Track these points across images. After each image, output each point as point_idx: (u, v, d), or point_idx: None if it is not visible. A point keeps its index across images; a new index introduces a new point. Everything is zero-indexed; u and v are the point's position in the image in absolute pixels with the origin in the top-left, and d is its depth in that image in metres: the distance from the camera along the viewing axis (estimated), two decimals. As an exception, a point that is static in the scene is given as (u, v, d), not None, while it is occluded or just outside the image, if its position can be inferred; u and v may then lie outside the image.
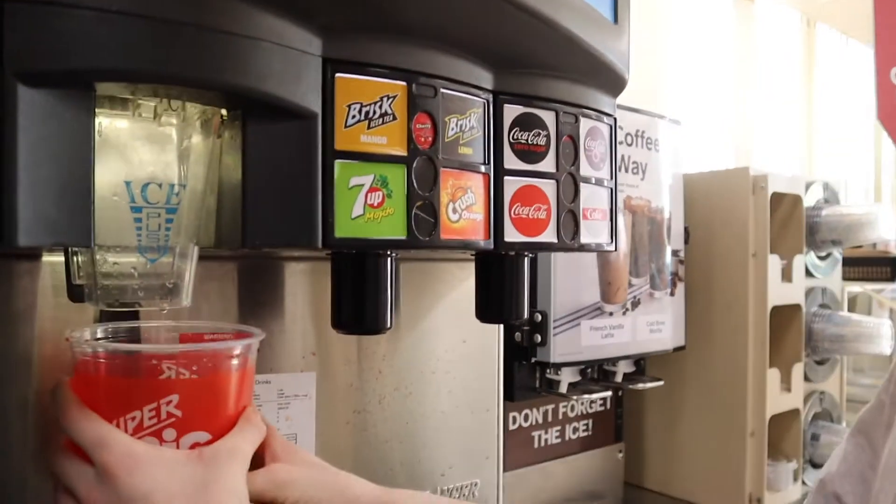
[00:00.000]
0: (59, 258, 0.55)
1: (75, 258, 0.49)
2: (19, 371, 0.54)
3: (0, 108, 0.36)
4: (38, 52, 0.37)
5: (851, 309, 1.98)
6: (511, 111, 0.57)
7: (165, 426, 0.45)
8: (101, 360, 0.46)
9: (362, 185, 0.47)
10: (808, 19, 3.56)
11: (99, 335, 0.50)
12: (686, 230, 1.34)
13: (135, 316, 0.56)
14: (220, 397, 0.47)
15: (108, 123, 0.45)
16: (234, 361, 0.48)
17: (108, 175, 0.45)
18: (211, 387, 0.47)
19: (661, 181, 1.24)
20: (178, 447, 0.45)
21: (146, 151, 0.47)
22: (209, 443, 0.46)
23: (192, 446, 0.46)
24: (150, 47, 0.39)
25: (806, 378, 1.45)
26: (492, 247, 0.56)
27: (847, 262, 1.66)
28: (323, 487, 0.53)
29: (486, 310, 0.64)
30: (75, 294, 0.50)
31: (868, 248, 2.16)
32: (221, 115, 0.49)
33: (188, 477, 0.44)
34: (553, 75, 0.59)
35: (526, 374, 1.11)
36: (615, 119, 0.66)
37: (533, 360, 1.07)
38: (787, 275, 1.38)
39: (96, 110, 0.43)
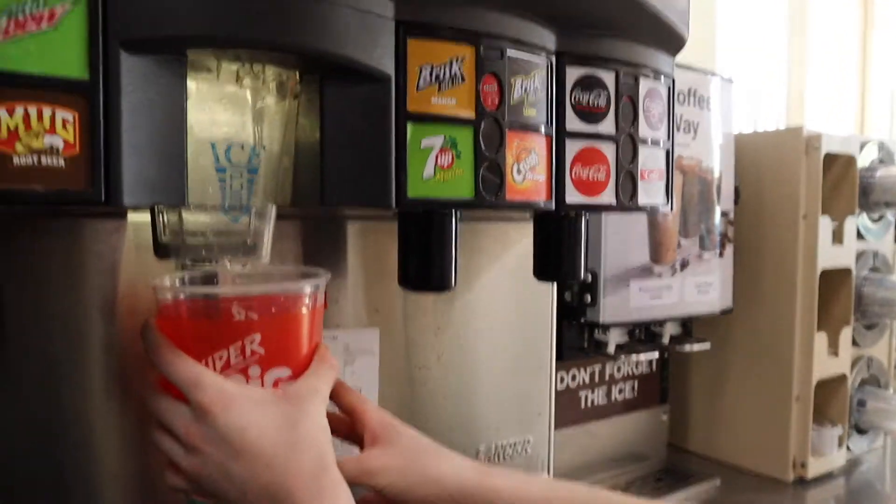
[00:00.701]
0: (141, 217, 0.58)
1: (161, 217, 0.52)
2: (105, 324, 0.57)
3: (105, 74, 0.38)
4: (138, 20, 0.39)
5: (902, 273, 1.95)
6: (573, 72, 0.58)
7: (251, 363, 0.48)
8: (187, 305, 0.49)
9: (433, 146, 0.49)
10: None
11: (179, 281, 0.53)
12: (736, 190, 1.33)
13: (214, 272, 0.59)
14: (296, 334, 0.50)
15: (193, 87, 0.47)
16: (307, 300, 0.51)
17: (195, 137, 0.47)
18: (288, 324, 0.50)
19: (712, 140, 1.23)
20: (262, 383, 0.49)
21: (229, 115, 0.49)
22: (290, 378, 0.50)
23: (275, 382, 0.49)
24: (237, 14, 0.41)
25: (854, 343, 1.44)
26: (553, 207, 0.57)
27: (899, 224, 1.63)
28: (412, 475, 0.56)
29: (545, 268, 0.66)
30: (161, 251, 0.53)
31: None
32: (298, 77, 0.50)
33: (278, 413, 0.47)
34: (614, 35, 0.59)
35: (574, 335, 1.12)
36: (673, 79, 0.67)
37: (582, 320, 1.08)
38: (837, 237, 1.36)
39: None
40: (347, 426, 0.58)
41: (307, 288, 0.51)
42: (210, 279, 0.54)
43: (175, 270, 0.58)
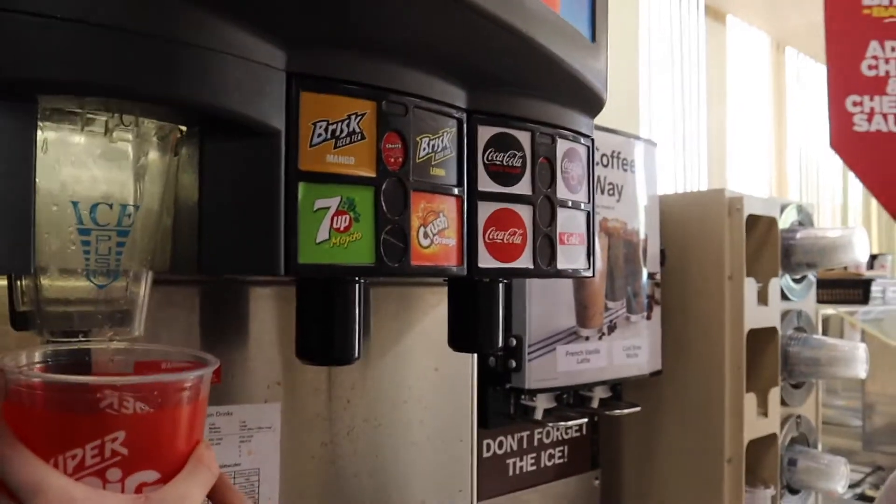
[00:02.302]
0: (2, 282, 0.51)
1: (19, 283, 0.46)
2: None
3: (-73, 122, 0.33)
4: (-29, 61, 0.34)
5: (825, 331, 1.99)
6: (485, 131, 0.55)
7: (110, 465, 0.41)
8: (39, 392, 0.41)
9: (328, 207, 0.45)
10: (778, 43, 3.63)
11: (38, 359, 0.45)
12: (662, 252, 1.32)
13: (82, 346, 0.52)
14: (170, 433, 0.43)
15: (54, 138, 0.42)
16: (187, 393, 0.44)
17: (54, 195, 0.42)
18: (161, 422, 0.43)
19: (638, 203, 1.22)
20: (122, 488, 0.41)
21: (97, 169, 0.44)
22: (158, 482, 0.42)
23: (139, 487, 0.42)
24: (97, 57, 0.36)
25: (782, 402, 1.44)
26: (465, 273, 0.53)
27: (820, 284, 1.66)
28: None
29: (459, 338, 0.62)
30: (19, 322, 0.47)
31: (839, 270, 2.17)
32: (179, 131, 0.46)
33: None
34: (529, 94, 0.57)
35: (500, 401, 1.08)
36: (593, 140, 0.65)
37: (507, 386, 1.04)
38: (762, 298, 1.37)
39: (43, 124, 0.40)
40: None
41: (187, 380, 0.43)
42: (80, 357, 0.47)
43: (39, 343, 0.52)
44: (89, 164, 0.43)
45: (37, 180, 0.37)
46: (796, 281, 1.51)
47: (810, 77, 3.76)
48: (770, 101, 3.57)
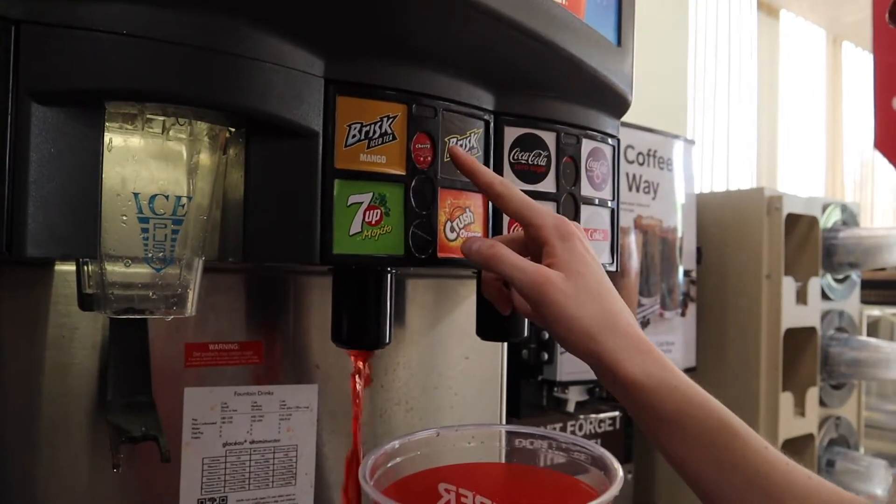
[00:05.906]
0: (71, 268, 0.57)
1: (86, 268, 0.51)
2: (28, 375, 0.56)
3: (14, 124, 0.38)
4: (52, 73, 0.39)
5: (873, 333, 1.96)
6: (512, 132, 0.58)
7: None
8: None
9: (361, 202, 0.49)
10: (834, 37, 3.54)
11: (389, 462, 0.44)
12: (699, 250, 1.34)
13: (142, 324, 0.57)
14: None
15: (118, 138, 0.46)
16: None
17: (117, 187, 0.46)
18: None
19: (674, 201, 1.24)
20: None
21: (155, 166, 0.48)
22: None
23: None
24: (156, 68, 0.41)
25: (821, 403, 1.44)
26: (490, 265, 0.57)
27: (867, 284, 1.64)
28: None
29: (487, 328, 0.65)
30: (85, 303, 0.52)
31: (890, 270, 2.13)
32: (228, 132, 0.50)
33: None
34: (554, 97, 0.60)
35: (533, 392, 1.11)
36: (618, 140, 0.67)
37: (539, 377, 1.07)
38: (802, 297, 1.37)
39: (108, 125, 0.45)
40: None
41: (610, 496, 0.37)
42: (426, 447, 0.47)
43: (101, 319, 0.57)
44: (148, 161, 0.48)
45: (102, 175, 0.43)
46: (839, 281, 1.50)
47: (868, 73, 3.67)
48: (825, 99, 3.49)
